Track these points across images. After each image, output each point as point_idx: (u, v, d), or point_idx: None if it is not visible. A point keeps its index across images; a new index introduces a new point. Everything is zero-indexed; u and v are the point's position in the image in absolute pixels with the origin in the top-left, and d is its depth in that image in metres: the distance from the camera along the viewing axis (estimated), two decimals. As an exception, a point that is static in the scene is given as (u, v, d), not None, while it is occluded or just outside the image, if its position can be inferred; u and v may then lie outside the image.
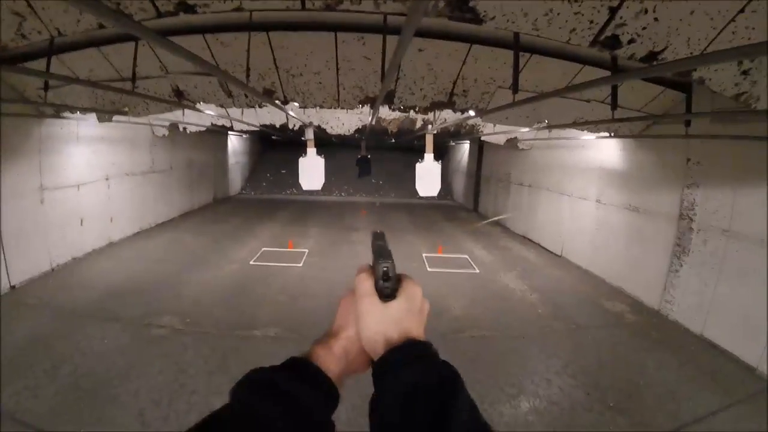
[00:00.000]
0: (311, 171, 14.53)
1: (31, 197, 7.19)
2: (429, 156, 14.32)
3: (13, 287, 6.74)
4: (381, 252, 0.85)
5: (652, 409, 4.78)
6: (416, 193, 17.49)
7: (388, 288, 0.79)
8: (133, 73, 5.12)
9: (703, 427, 4.43)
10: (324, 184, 15.76)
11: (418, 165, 14.74)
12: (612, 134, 7.79)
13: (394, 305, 0.77)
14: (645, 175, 7.76)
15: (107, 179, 9.59)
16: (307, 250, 11.04)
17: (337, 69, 5.43)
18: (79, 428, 4.10)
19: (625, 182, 8.32)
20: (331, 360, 0.76)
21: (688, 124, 5.85)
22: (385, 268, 0.80)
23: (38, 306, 6.50)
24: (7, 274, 6.64)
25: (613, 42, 2.96)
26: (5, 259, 6.56)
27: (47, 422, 4.12)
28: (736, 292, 5.69)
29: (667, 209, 7.08)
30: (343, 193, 20.64)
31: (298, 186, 17.13)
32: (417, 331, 0.77)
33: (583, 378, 5.47)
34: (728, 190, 5.95)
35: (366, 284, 0.79)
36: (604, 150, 9.02)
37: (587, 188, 9.62)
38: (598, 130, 7.60)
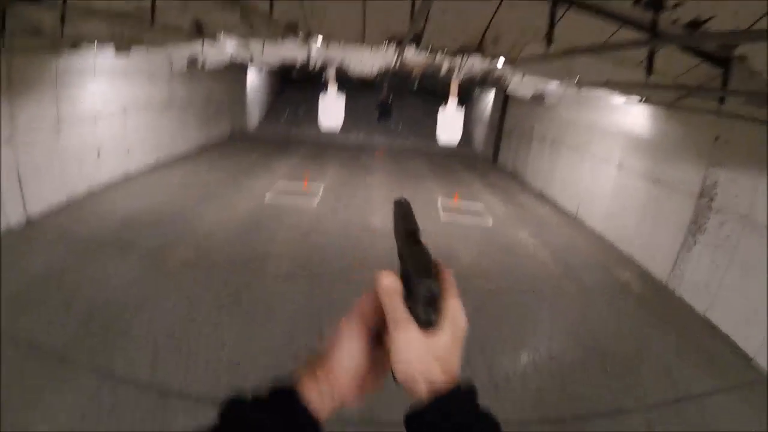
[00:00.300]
0: (331, 110, 14.36)
1: (47, 130, 7.15)
2: (452, 103, 13.98)
3: (29, 220, 6.83)
4: (417, 259, 0.63)
5: (647, 380, 4.87)
6: (435, 139, 17.23)
7: (432, 315, 0.62)
8: (153, 4, 4.95)
9: (693, 405, 4.49)
10: (342, 123, 15.53)
11: (440, 111, 14.42)
12: (643, 99, 7.46)
13: (439, 338, 0.64)
14: (670, 146, 7.48)
15: (124, 112, 9.53)
16: (322, 188, 11.10)
17: (364, 5, 5.17)
18: (93, 358, 4.28)
19: (650, 151, 8.05)
20: (316, 393, 0.66)
21: (722, 101, 5.57)
22: (430, 292, 0.61)
23: (54, 238, 6.61)
24: (24, 206, 6.71)
25: (658, 3, 2.75)
26: (22, 192, 6.62)
27: (62, 353, 4.31)
28: (745, 280, 5.58)
29: (688, 185, 6.86)
30: (361, 134, 20.35)
31: (316, 124, 16.97)
32: (457, 363, 0.66)
33: (584, 339, 5.57)
34: (754, 175, 5.69)
35: (398, 306, 0.64)
36: (631, 115, 8.68)
37: (610, 152, 9.35)
38: (629, 94, 7.28)
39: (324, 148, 17.02)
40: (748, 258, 5.58)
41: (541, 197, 12.28)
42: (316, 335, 5.07)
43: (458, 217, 9.96)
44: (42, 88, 6.95)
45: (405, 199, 0.75)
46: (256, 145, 16.13)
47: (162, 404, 3.87)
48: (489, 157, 17.59)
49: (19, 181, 6.53)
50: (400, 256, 0.68)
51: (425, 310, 0.61)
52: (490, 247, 8.45)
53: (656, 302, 6.65)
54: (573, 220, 10.32)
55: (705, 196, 6.48)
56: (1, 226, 6.12)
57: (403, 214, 0.72)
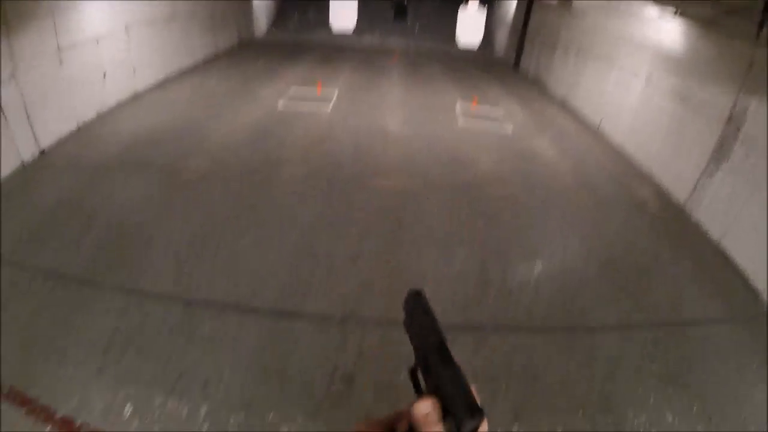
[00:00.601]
0: (343, 10, 13.49)
1: (49, 60, 6.84)
2: (474, 3, 12.97)
3: (42, 152, 6.73)
4: (459, 388, 0.57)
5: (656, 299, 4.94)
6: (454, 42, 16.28)
7: None
8: None
9: (698, 331, 4.55)
10: (355, 26, 14.67)
11: (461, 11, 13.44)
12: (678, 12, 6.83)
13: None
14: (702, 67, 6.89)
15: (127, 30, 9.04)
16: (335, 94, 10.85)
17: None
18: (117, 278, 4.45)
19: (680, 69, 7.45)
20: None
21: (761, 26, 5.10)
22: (476, 428, 0.55)
23: (68, 166, 6.57)
24: (35, 139, 6.58)
25: None
26: (31, 125, 6.46)
27: (86, 276, 4.47)
28: (764, 214, 5.32)
29: (717, 109, 6.39)
30: (375, 37, 19.24)
31: (327, 27, 16.08)
32: None
33: (597, 253, 5.60)
34: None
35: None
36: (664, 31, 7.94)
37: (638, 65, 8.72)
38: (664, 4, 6.65)
39: (336, 52, 16.21)
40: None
41: (563, 106, 11.76)
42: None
43: (477, 123, 9.74)
44: (38, 19, 6.54)
45: (422, 292, 0.65)
46: (266, 53, 15.46)
47: (188, 314, 4.10)
48: (510, 63, 16.63)
49: (27, 115, 6.37)
50: (423, 362, 0.61)
51: None
52: (508, 154, 8.33)
53: (672, 224, 6.53)
54: (594, 132, 9.94)
55: (733, 123, 6.07)
56: (1, 167, 5.94)
57: (423, 312, 0.64)
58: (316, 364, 3.74)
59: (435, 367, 0.58)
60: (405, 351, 0.63)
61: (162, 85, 10.63)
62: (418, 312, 0.64)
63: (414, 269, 4.99)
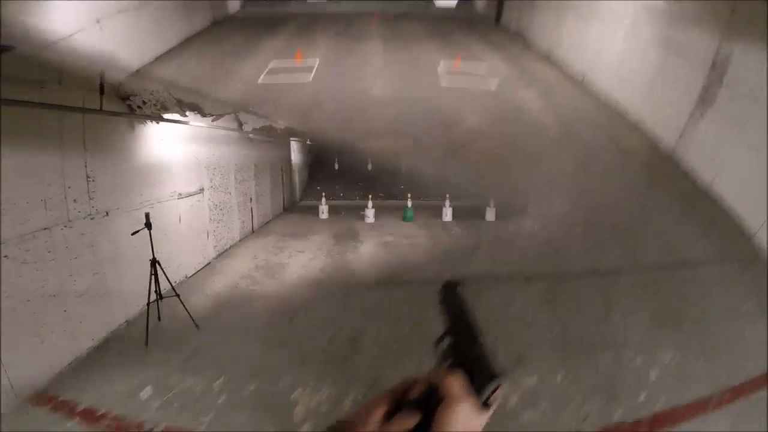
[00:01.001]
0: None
1: None
2: (450, -42, 12.57)
3: None
4: (486, 356, 0.69)
5: (644, 247, 5.05)
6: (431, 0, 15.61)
7: (491, 402, 0.68)
8: None
9: (688, 273, 4.69)
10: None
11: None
12: None
13: (486, 416, 0.70)
14: (686, 13, 6.83)
15: (99, 22, 8.65)
16: (316, 62, 10.63)
17: None
18: None
19: (664, 15, 7.38)
20: None
21: None
22: (498, 386, 0.67)
23: None
24: None
25: None
26: None
27: None
28: (752, 157, 5.41)
29: (701, 54, 6.41)
30: (351, 2, 18.68)
31: (302, -5, 15.33)
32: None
33: (587, 203, 5.72)
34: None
35: (464, 392, 0.67)
36: None
37: (621, 12, 8.59)
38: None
39: (314, 21, 15.79)
40: (756, 135, 5.39)
41: (547, 59, 11.61)
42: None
43: (460, 81, 9.62)
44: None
45: (459, 282, 0.82)
46: (240, 26, 15.01)
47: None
48: (491, 18, 16.32)
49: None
50: (455, 336, 0.73)
51: (489, 398, 0.67)
52: (494, 110, 8.31)
53: (661, 172, 6.58)
54: (580, 84, 9.87)
55: (717, 69, 6.11)
56: None
57: (458, 299, 0.79)
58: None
59: (465, 341, 0.71)
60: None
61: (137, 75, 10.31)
62: (453, 298, 0.80)
63: (407, 229, 5.11)
